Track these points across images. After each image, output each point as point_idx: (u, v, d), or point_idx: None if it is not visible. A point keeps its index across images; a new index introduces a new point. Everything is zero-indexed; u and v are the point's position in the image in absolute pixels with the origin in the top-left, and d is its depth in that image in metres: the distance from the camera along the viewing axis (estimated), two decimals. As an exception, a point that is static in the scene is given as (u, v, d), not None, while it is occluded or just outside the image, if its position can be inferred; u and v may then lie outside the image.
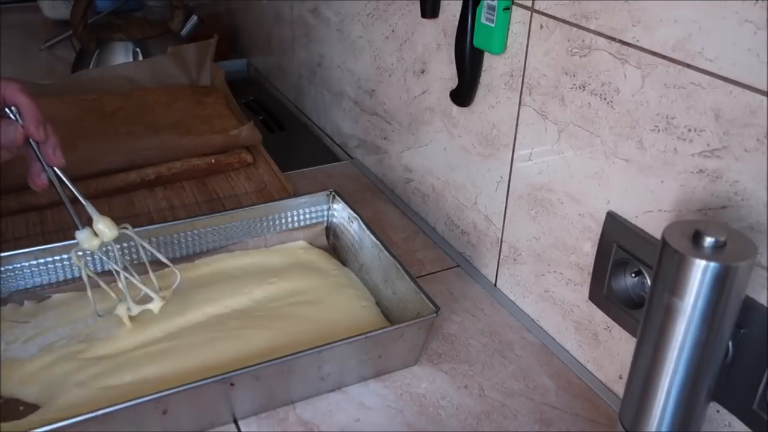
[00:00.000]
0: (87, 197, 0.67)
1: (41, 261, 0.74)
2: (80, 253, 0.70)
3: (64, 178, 0.67)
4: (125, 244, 0.76)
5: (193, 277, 0.78)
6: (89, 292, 0.69)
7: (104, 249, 0.69)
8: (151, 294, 0.70)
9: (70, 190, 0.66)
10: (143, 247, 0.72)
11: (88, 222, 0.67)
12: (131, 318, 0.70)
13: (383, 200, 1.01)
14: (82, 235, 0.67)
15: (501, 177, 0.77)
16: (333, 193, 0.85)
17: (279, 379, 0.62)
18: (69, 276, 0.75)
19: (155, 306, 0.71)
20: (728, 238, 0.45)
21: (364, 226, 0.79)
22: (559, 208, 0.69)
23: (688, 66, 0.52)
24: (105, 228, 0.67)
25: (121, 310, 0.70)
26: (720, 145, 0.51)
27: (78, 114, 1.08)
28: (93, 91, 1.16)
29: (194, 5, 1.47)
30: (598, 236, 0.64)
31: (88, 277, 0.69)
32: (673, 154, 0.55)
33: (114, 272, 0.70)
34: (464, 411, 0.65)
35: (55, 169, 0.66)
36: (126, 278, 0.70)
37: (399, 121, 0.96)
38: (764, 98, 0.47)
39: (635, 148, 0.58)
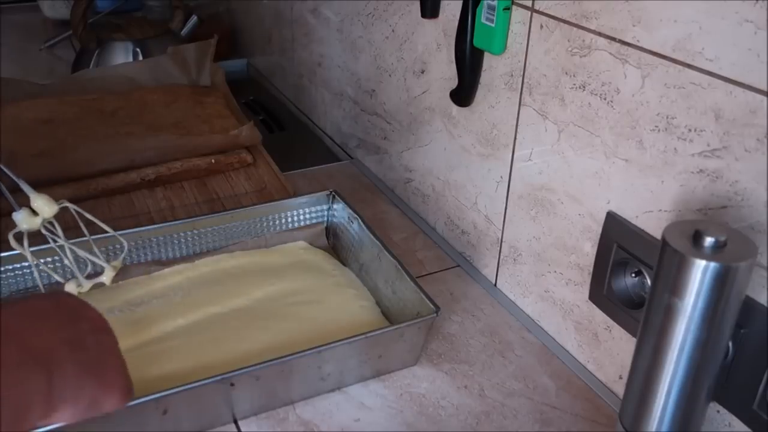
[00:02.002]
0: (24, 179, 0.64)
1: (41, 261, 0.74)
2: (18, 233, 0.66)
3: None
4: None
5: (193, 277, 0.78)
6: (36, 274, 0.67)
7: (45, 227, 0.66)
8: (102, 263, 0.69)
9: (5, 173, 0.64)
10: (85, 219, 0.69)
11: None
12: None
13: (383, 200, 1.01)
14: (20, 216, 0.64)
15: (501, 177, 0.77)
16: (333, 193, 0.85)
17: (279, 379, 0.62)
18: (69, 276, 0.75)
19: (107, 277, 0.69)
20: (728, 238, 0.45)
21: (364, 226, 0.79)
22: (559, 208, 0.69)
23: (688, 66, 0.52)
24: (43, 204, 0.65)
25: (70, 287, 0.69)
26: (720, 145, 0.51)
27: (78, 114, 1.08)
28: (93, 91, 1.16)
29: (194, 5, 1.47)
30: (598, 236, 0.64)
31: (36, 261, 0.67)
32: (673, 154, 0.55)
33: (59, 250, 0.67)
34: (464, 411, 0.65)
35: None
36: (73, 253, 0.67)
37: (399, 121, 0.96)
38: (764, 98, 0.47)
39: (635, 148, 0.59)
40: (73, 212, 0.67)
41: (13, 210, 0.65)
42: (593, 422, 0.65)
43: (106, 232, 0.71)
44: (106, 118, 1.08)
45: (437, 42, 0.84)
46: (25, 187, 0.65)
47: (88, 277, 0.70)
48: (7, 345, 0.38)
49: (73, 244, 0.68)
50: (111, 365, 0.48)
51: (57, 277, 0.69)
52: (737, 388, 0.52)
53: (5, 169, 0.65)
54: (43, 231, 0.66)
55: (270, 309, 0.74)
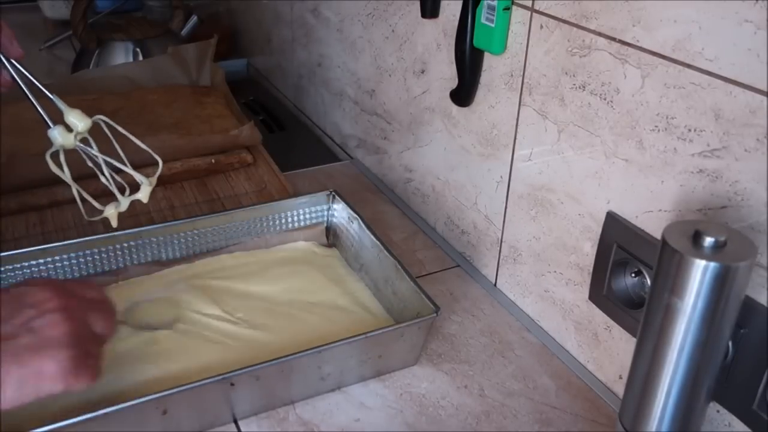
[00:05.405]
0: (59, 97, 0.63)
1: (41, 261, 0.74)
2: (55, 152, 0.65)
3: (25, 72, 0.64)
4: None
5: (194, 277, 0.78)
6: (75, 193, 0.66)
7: (81, 142, 0.66)
8: (140, 178, 0.68)
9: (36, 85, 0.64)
10: (117, 137, 0.68)
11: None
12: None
13: (383, 200, 1.01)
14: (56, 132, 0.63)
15: (501, 177, 0.77)
16: (333, 193, 0.85)
17: (279, 379, 0.62)
18: (69, 276, 0.75)
19: (144, 193, 0.69)
20: (728, 238, 0.45)
21: (364, 226, 0.79)
22: (559, 208, 0.69)
23: (688, 66, 0.52)
24: (77, 119, 0.64)
25: (109, 211, 0.68)
26: (720, 145, 0.51)
27: (78, 114, 1.08)
28: (93, 91, 1.16)
29: (194, 5, 1.47)
30: (598, 236, 0.64)
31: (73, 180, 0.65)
32: (673, 154, 0.55)
33: (95, 167, 0.66)
34: (464, 411, 0.65)
35: (16, 64, 0.63)
36: (109, 170, 0.66)
37: (399, 121, 0.96)
38: (764, 98, 0.47)
39: (635, 148, 0.59)
40: (104, 128, 0.66)
41: (48, 127, 0.64)
42: (593, 422, 0.65)
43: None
44: (106, 118, 1.08)
45: (437, 42, 0.84)
46: (58, 102, 0.64)
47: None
48: None
49: (106, 161, 0.68)
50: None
51: (95, 203, 0.67)
52: (737, 388, 0.52)
53: (38, 84, 0.64)
54: (78, 148, 0.65)
55: (270, 309, 0.74)
